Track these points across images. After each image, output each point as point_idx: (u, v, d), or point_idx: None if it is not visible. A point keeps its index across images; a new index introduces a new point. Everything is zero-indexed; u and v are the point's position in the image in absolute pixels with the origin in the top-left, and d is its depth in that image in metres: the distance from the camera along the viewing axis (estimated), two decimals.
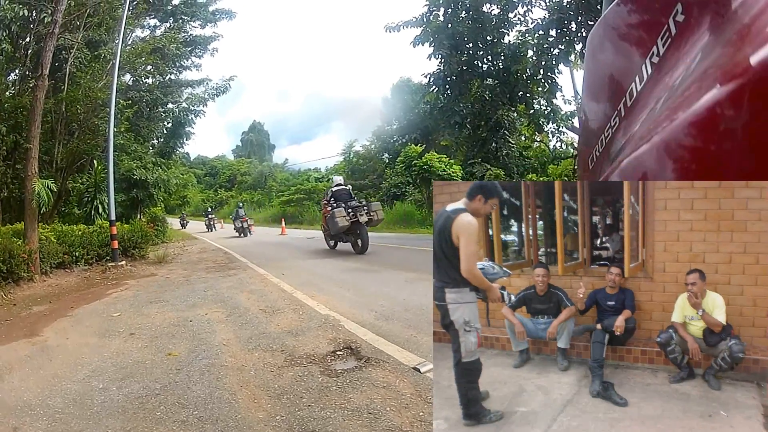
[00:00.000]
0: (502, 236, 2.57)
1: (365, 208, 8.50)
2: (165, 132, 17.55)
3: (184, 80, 17.79)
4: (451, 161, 19.25)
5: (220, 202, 48.52)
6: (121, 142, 13.35)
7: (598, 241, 2.68)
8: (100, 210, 12.44)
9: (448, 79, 14.85)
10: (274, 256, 10.00)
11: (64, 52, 11.34)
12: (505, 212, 2.60)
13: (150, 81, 15.67)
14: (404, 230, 16.73)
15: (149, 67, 14.84)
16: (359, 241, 8.55)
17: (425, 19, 14.66)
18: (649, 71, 0.46)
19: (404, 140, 19.36)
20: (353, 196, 9.45)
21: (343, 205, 8.47)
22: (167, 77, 16.50)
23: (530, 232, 2.58)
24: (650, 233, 2.27)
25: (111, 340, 3.74)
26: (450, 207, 1.71)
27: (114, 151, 12.93)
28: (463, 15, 14.53)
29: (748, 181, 1.15)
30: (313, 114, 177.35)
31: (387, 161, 24.80)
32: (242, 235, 17.58)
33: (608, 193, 2.56)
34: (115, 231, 9.05)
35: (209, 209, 27.07)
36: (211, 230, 22.35)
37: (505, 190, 2.52)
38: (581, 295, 2.32)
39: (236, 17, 17.72)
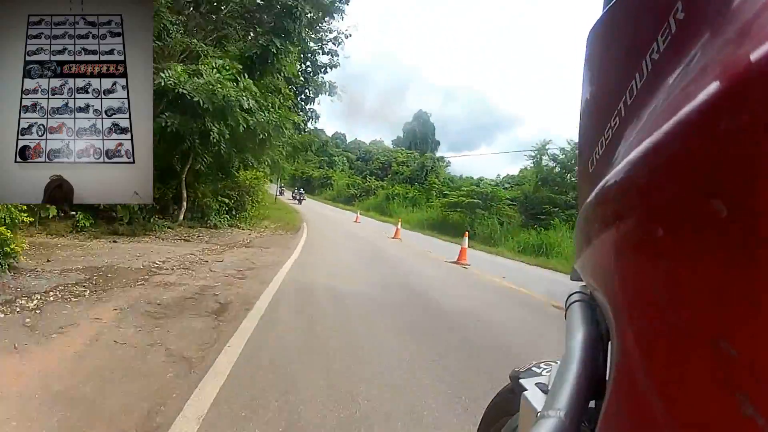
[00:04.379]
0: None
1: (302, 193, 34.38)
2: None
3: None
4: None
5: (367, 191, 39.74)
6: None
7: None
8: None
9: None
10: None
11: None
12: None
13: None
14: None
15: None
16: (300, 202, 31.67)
17: None
18: (649, 69, 0.46)
19: None
20: (302, 191, 35.11)
21: (299, 191, 34.88)
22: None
23: None
24: None
25: None
26: None
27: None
28: None
29: None
30: (477, 122, 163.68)
31: None
32: (299, 203, 30.49)
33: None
34: None
35: (297, 187, 38.15)
36: (300, 203, 30.82)
37: None
38: None
39: None
